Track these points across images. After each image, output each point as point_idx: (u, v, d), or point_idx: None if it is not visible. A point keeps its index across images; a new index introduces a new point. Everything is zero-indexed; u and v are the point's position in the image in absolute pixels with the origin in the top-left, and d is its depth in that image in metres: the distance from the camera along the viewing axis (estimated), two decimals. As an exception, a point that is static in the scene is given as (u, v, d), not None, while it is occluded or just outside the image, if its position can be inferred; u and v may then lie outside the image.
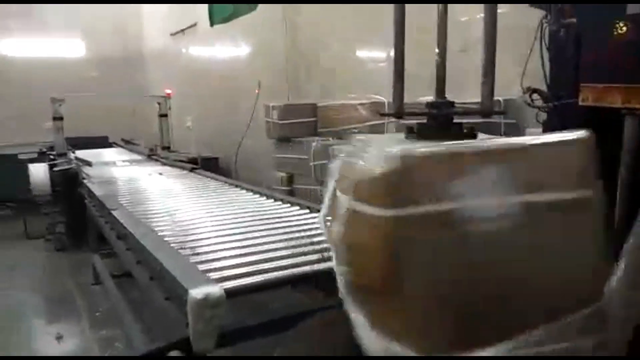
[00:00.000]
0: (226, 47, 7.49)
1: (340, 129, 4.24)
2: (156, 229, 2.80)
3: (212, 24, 5.91)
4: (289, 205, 3.41)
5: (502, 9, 3.14)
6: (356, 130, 3.94)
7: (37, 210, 6.38)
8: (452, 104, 1.19)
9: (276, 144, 4.95)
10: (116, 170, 5.56)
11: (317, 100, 4.75)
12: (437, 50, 1.20)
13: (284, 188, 4.71)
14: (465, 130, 1.18)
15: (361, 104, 4.10)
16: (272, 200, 3.62)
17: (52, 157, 6.37)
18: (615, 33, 1.90)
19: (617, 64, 1.91)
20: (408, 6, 1.27)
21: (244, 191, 4.09)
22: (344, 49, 5.21)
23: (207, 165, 6.11)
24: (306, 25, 5.75)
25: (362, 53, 5.11)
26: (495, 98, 3.19)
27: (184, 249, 2.42)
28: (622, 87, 1.87)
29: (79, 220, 5.21)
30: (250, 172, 6.41)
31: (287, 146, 4.72)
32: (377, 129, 3.80)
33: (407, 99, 1.31)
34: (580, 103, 2.01)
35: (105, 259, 4.60)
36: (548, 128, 2.33)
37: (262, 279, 2.06)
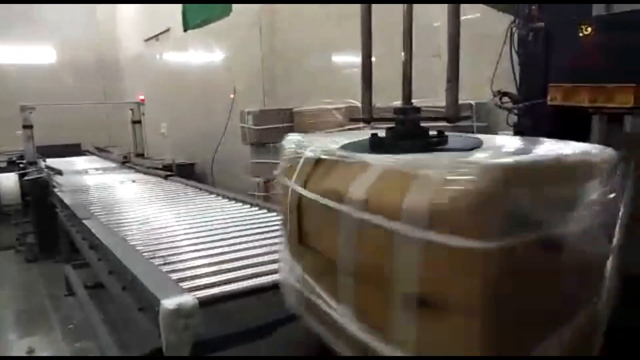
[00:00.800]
0: (200, 51, 7.43)
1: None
2: (128, 238, 2.74)
3: (185, 29, 5.87)
4: (265, 211, 3.38)
5: (473, 14, 3.18)
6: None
7: (7, 220, 6.23)
8: (418, 109, 1.18)
9: (252, 149, 4.91)
10: (88, 179, 5.44)
11: (293, 105, 4.73)
12: (402, 55, 1.19)
13: (260, 194, 4.68)
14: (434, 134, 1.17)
15: (337, 109, 4.09)
16: (248, 206, 3.58)
17: (22, 165, 6.23)
18: (581, 34, 1.94)
19: (583, 64, 1.95)
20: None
21: (219, 198, 4.05)
22: (321, 52, 5.21)
23: (183, 171, 6.02)
24: (282, 29, 5.73)
25: (338, 57, 5.12)
26: (467, 102, 3.23)
27: (156, 258, 2.37)
28: (588, 86, 1.91)
29: (50, 230, 5.09)
30: (227, 177, 6.35)
31: (263, 152, 4.69)
32: (353, 133, 3.80)
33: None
34: (549, 103, 2.04)
35: (78, 269, 4.51)
36: (518, 130, 2.36)
37: (238, 287, 2.03)
